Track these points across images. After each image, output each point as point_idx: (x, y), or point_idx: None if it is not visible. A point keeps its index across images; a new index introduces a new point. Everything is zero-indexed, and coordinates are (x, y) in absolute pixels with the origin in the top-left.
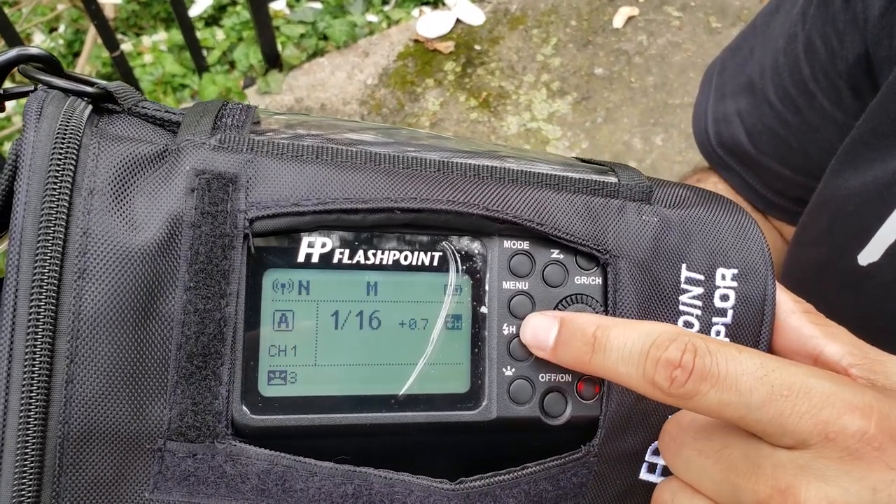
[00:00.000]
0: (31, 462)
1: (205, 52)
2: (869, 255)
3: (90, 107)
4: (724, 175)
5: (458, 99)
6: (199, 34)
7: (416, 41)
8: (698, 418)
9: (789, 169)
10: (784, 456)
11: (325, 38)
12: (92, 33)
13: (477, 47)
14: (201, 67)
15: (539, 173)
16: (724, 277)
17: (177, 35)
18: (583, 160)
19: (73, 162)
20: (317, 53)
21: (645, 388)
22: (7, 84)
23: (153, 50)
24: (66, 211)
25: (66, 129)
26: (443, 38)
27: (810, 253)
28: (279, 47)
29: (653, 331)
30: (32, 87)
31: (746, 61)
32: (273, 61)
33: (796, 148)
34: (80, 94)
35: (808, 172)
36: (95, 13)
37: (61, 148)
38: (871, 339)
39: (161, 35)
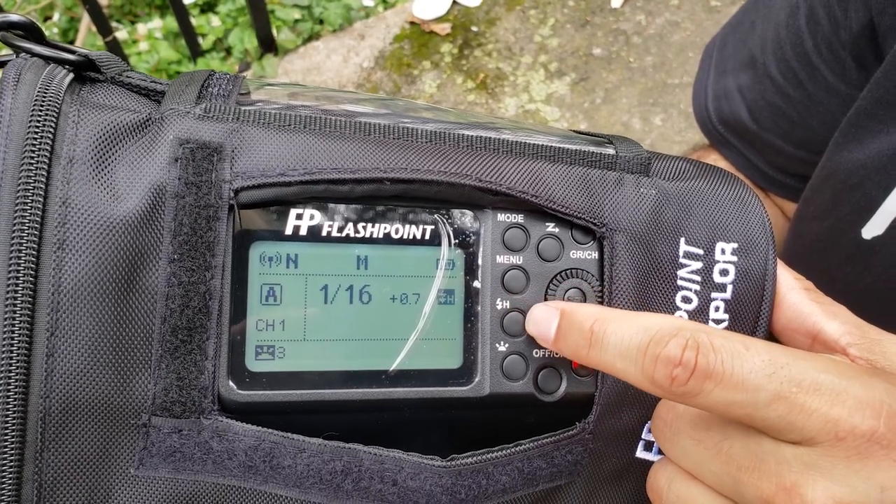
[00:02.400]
0: (12, 436)
1: (200, 39)
2: (873, 228)
3: (71, 75)
4: (724, 152)
5: (456, 81)
6: (194, 21)
7: (412, 23)
8: None
9: (791, 144)
10: (789, 452)
11: (320, 21)
12: (86, 21)
13: (474, 28)
14: (197, 54)
15: (534, 144)
16: (723, 252)
17: (172, 22)
18: (581, 132)
19: (51, 130)
20: (312, 37)
21: (644, 385)
22: None
23: (148, 37)
24: (44, 180)
25: (44, 96)
26: (439, 19)
27: (813, 228)
28: (274, 31)
29: (652, 325)
30: (13, 56)
31: (747, 36)
32: (268, 45)
33: (798, 122)
34: (61, 62)
35: (811, 147)
36: None
37: (39, 115)
38: (874, 314)
39: (156, 22)
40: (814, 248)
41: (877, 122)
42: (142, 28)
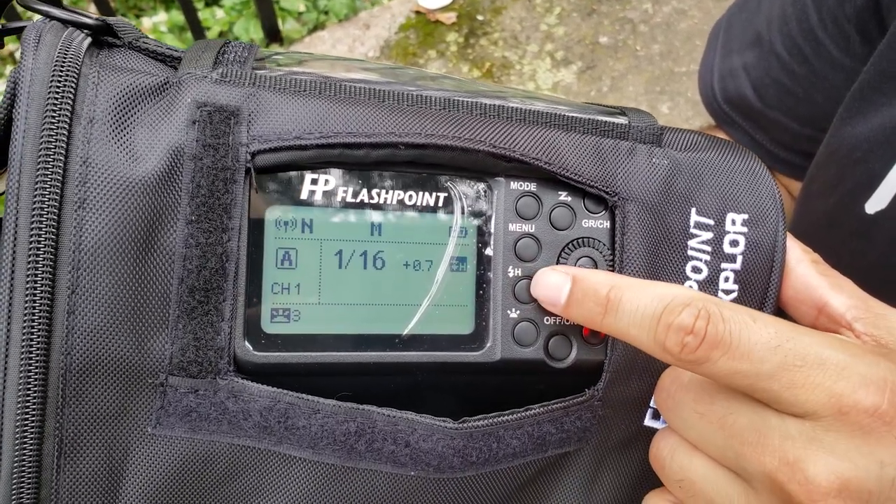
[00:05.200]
0: (35, 391)
1: (206, 33)
2: (877, 202)
3: (89, 38)
4: (730, 132)
5: (461, 70)
6: (199, 14)
7: (417, 13)
8: (698, 377)
9: (796, 121)
10: (793, 427)
11: (325, 12)
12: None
13: (479, 17)
14: None
15: (548, 113)
16: (734, 222)
17: (177, 16)
18: (593, 104)
19: (72, 90)
20: (317, 27)
21: (655, 352)
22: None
23: (154, 31)
24: (65, 139)
25: (65, 57)
26: (444, 8)
27: (818, 205)
28: (279, 22)
29: (666, 294)
30: (31, 22)
31: (753, 15)
32: (273, 36)
33: (803, 98)
34: (79, 26)
35: (816, 124)
36: None
37: (60, 75)
38: (878, 289)
39: (161, 16)
40: (819, 224)
41: (880, 94)
42: (147, 22)
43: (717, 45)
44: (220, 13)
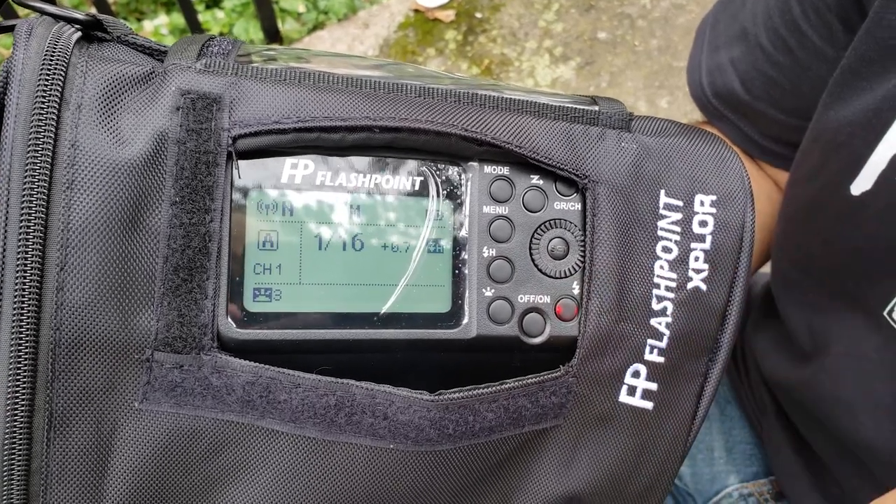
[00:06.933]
0: (25, 365)
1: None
2: (861, 184)
3: (79, 32)
4: (719, 126)
5: (460, 67)
6: (199, 17)
7: (416, 11)
8: None
9: (783, 112)
10: None
11: (325, 12)
12: None
13: (478, 15)
14: None
15: (520, 100)
16: (702, 204)
17: (178, 19)
18: (569, 94)
19: (61, 77)
20: (317, 27)
21: None
22: None
23: (155, 34)
24: (54, 123)
25: (54, 47)
26: (443, 7)
27: (805, 190)
28: (279, 23)
29: None
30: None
31: (739, 11)
32: (273, 36)
33: (789, 90)
34: (70, 21)
35: (802, 114)
36: None
37: (50, 64)
38: (865, 269)
39: (162, 19)
40: (806, 209)
41: (861, 79)
42: (148, 25)
43: (703, 41)
44: (220, 15)
